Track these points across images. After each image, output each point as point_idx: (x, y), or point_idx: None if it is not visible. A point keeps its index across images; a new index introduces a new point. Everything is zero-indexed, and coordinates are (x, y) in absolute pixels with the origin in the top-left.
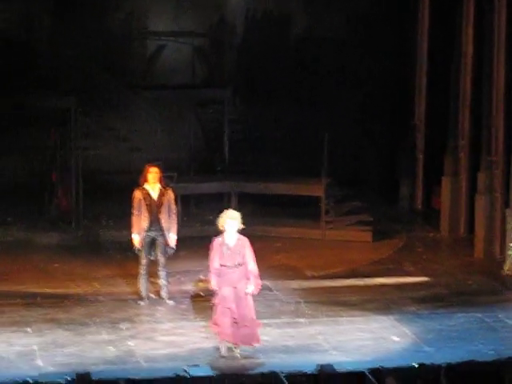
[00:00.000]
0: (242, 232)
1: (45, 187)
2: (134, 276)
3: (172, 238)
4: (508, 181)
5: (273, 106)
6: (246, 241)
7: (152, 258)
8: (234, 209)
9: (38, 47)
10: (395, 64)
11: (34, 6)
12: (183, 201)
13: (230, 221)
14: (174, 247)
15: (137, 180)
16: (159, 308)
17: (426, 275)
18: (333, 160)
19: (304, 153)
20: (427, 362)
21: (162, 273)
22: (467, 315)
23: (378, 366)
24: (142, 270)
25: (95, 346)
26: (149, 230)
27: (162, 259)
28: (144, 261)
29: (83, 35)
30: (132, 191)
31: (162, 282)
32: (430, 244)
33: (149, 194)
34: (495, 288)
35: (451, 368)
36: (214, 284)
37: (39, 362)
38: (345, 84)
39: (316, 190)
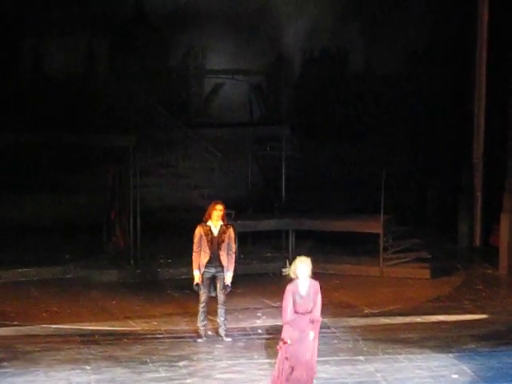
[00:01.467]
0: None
1: (103, 225)
2: (192, 314)
3: (228, 276)
4: None
5: (330, 142)
6: (317, 286)
7: (211, 295)
8: (292, 246)
9: (96, 85)
10: (454, 101)
11: (93, 46)
12: (240, 238)
13: (303, 266)
14: (230, 285)
15: (195, 217)
16: (217, 346)
17: (484, 313)
18: (392, 197)
19: (362, 189)
20: None
21: (221, 310)
22: None
23: None
24: (201, 307)
25: None
26: (209, 266)
27: (221, 296)
28: (203, 298)
29: (142, 73)
30: (194, 227)
31: (220, 319)
32: (489, 281)
33: (211, 231)
34: None
35: None
36: (286, 337)
37: None
38: (404, 120)
39: (374, 226)
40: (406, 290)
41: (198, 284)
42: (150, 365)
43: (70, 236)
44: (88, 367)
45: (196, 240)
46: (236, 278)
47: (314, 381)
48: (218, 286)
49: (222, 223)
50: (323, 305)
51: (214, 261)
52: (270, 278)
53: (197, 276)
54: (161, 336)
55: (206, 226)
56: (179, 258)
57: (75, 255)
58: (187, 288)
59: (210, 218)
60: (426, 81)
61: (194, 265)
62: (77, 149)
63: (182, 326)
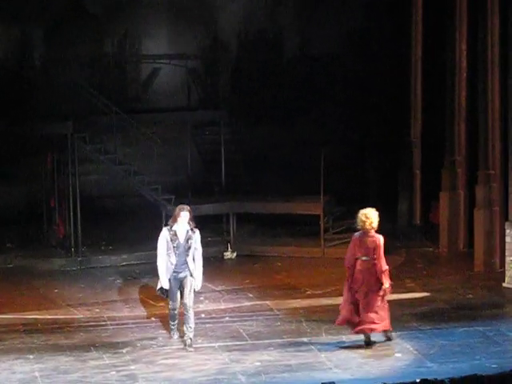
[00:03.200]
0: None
1: (43, 214)
2: (135, 300)
3: (198, 281)
4: (506, 194)
5: (269, 125)
6: (379, 240)
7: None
8: (233, 230)
9: (32, 74)
10: (390, 80)
11: (26, 34)
12: None
13: (367, 218)
14: (199, 289)
15: (135, 204)
16: (160, 331)
17: (426, 291)
18: (331, 177)
19: (301, 171)
20: (430, 377)
21: (188, 316)
22: (469, 329)
23: (380, 383)
24: (172, 311)
25: (97, 372)
26: (176, 271)
27: (188, 301)
28: (172, 304)
29: (77, 61)
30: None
31: (187, 326)
32: (430, 259)
33: (176, 236)
34: (496, 301)
35: (454, 383)
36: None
37: None
38: (340, 101)
39: (314, 208)
40: None
41: (162, 288)
42: (94, 352)
43: (10, 225)
44: (31, 356)
45: (161, 244)
46: None
47: (258, 363)
48: (186, 290)
49: (188, 228)
50: (266, 287)
51: (181, 265)
52: (212, 262)
53: (163, 281)
54: (104, 323)
55: (172, 230)
56: (120, 245)
57: (16, 244)
58: (129, 274)
59: (175, 221)
60: (363, 61)
61: (160, 269)
62: (14, 137)
63: (125, 312)
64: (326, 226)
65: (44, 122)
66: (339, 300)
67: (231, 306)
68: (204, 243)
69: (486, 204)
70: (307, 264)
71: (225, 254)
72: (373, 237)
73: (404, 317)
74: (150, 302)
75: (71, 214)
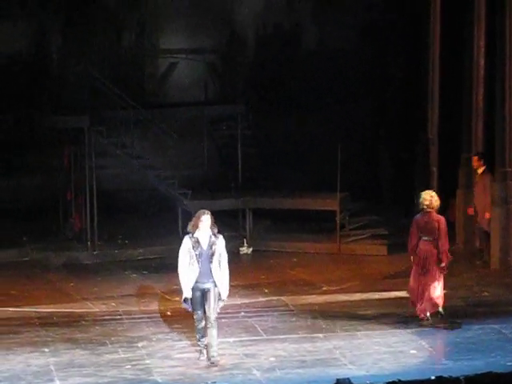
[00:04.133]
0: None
1: (60, 207)
2: (150, 295)
3: (224, 290)
4: None
5: (286, 120)
6: (442, 221)
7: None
8: (249, 225)
9: (50, 67)
10: (408, 77)
11: (44, 26)
12: None
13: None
14: (226, 299)
15: (151, 198)
16: (175, 326)
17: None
18: (348, 174)
19: (319, 167)
20: (445, 374)
21: (211, 330)
22: (484, 327)
23: (395, 379)
24: (198, 326)
25: (112, 365)
26: (199, 281)
27: (212, 314)
28: (197, 316)
29: (96, 54)
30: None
31: (211, 340)
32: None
33: (198, 242)
34: (511, 299)
35: (469, 380)
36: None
37: (57, 382)
38: (358, 96)
39: (331, 204)
40: (364, 267)
41: (186, 299)
42: (109, 346)
43: (26, 218)
44: (47, 350)
45: (182, 254)
46: None
47: (273, 358)
48: (209, 302)
49: (210, 233)
50: (281, 282)
51: (205, 275)
52: (228, 258)
53: (186, 290)
54: (119, 317)
55: (193, 237)
56: (136, 239)
57: (32, 237)
58: (144, 269)
59: (196, 228)
60: (380, 56)
61: (182, 279)
62: (32, 130)
63: (140, 306)
64: (342, 222)
65: (61, 116)
66: (355, 296)
67: (247, 301)
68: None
69: (503, 201)
70: (323, 260)
71: (241, 249)
72: (435, 217)
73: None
74: (166, 296)
75: (87, 207)
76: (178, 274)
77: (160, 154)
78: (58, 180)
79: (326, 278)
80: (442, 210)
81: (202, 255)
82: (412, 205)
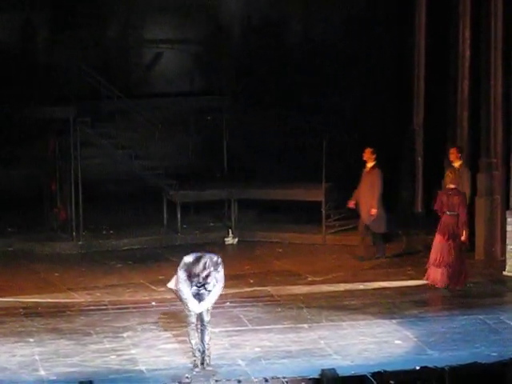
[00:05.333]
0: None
1: (45, 197)
2: (136, 285)
3: (206, 301)
4: (508, 182)
5: (271, 111)
6: (463, 197)
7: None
8: (235, 215)
9: (35, 58)
10: (393, 68)
11: (30, 17)
12: (183, 208)
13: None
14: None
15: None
16: (161, 316)
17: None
18: (332, 164)
19: (304, 158)
20: (430, 365)
21: (204, 331)
22: (469, 317)
23: (380, 369)
24: (190, 328)
25: (97, 356)
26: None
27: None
28: (191, 318)
29: (80, 45)
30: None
31: (203, 343)
32: (431, 247)
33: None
34: (497, 290)
35: (454, 371)
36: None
37: (41, 372)
38: (343, 88)
39: (316, 194)
40: (349, 258)
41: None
42: (94, 336)
43: (11, 209)
44: (31, 340)
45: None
46: (179, 248)
47: (258, 348)
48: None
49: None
50: (266, 273)
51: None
52: (213, 248)
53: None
54: (104, 307)
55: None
56: (121, 229)
57: (17, 228)
58: (130, 259)
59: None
60: (366, 47)
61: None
62: (16, 121)
63: (126, 296)
64: (327, 213)
65: (46, 106)
66: (340, 287)
67: (232, 291)
68: (205, 228)
69: (488, 192)
70: (308, 250)
71: (226, 239)
72: (456, 192)
73: (404, 304)
74: (151, 286)
75: (72, 197)
76: (163, 264)
77: (146, 145)
78: (43, 170)
79: (311, 268)
80: (427, 200)
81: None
82: (397, 196)
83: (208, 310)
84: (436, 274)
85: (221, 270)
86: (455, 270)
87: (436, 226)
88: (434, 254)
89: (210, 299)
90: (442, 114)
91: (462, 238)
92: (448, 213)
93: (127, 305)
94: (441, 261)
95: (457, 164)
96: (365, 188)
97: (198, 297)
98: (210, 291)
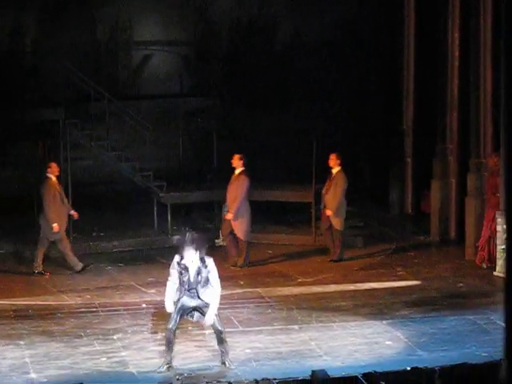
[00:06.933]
0: None
1: (34, 199)
2: (126, 287)
3: (208, 314)
4: None
5: (261, 113)
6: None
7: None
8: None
9: (23, 59)
10: (382, 68)
11: (18, 19)
12: (173, 210)
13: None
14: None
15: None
16: (152, 318)
17: (417, 279)
18: (322, 166)
19: (294, 159)
20: (420, 365)
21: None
22: (459, 318)
23: (371, 370)
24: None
25: (88, 358)
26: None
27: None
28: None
29: (69, 46)
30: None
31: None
32: (421, 248)
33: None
34: (487, 290)
35: (444, 371)
36: None
37: (32, 375)
38: (332, 89)
39: (306, 196)
40: None
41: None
42: (85, 338)
43: (0, 211)
44: (22, 342)
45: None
46: (169, 250)
47: (249, 350)
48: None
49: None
50: (257, 274)
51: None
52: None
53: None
54: (95, 309)
55: (182, 264)
56: (111, 232)
57: (6, 230)
58: (120, 261)
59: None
60: (355, 49)
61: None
62: (5, 123)
63: (116, 298)
64: (317, 214)
65: (36, 108)
66: (330, 288)
67: (222, 293)
68: (196, 230)
69: (477, 192)
70: (298, 252)
71: (216, 241)
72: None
73: (395, 305)
74: (142, 288)
75: None
76: (153, 266)
77: (135, 147)
78: (33, 172)
79: (302, 269)
80: (416, 201)
81: (190, 283)
82: (387, 196)
83: (216, 319)
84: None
85: (210, 264)
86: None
87: (425, 226)
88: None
89: (213, 307)
90: (432, 114)
91: None
92: (497, 194)
93: (117, 307)
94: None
95: (335, 170)
96: (231, 191)
97: (195, 311)
98: (203, 299)
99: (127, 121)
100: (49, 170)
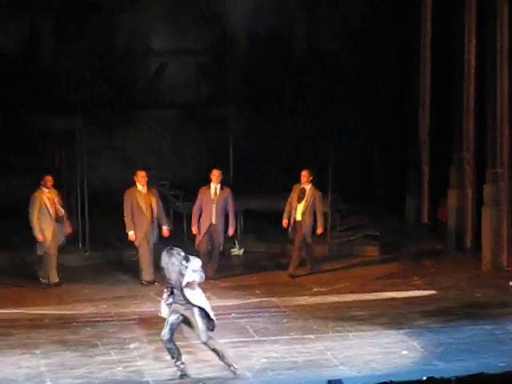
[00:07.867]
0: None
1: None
2: (142, 296)
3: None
4: None
5: (278, 121)
6: None
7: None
8: (240, 226)
9: (40, 67)
10: (399, 76)
11: (35, 26)
12: (189, 219)
13: None
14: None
15: None
16: None
17: (434, 289)
18: (338, 174)
19: (311, 168)
20: (437, 375)
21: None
22: (476, 328)
23: (387, 380)
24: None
25: (104, 367)
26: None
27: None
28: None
29: (87, 54)
30: None
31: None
32: (438, 257)
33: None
34: (503, 300)
35: (461, 381)
36: None
37: None
38: (350, 98)
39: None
40: (355, 268)
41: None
42: (101, 348)
43: (16, 218)
44: (37, 351)
45: None
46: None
47: (265, 360)
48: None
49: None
50: (272, 284)
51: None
52: (219, 259)
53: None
54: (111, 319)
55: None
56: (127, 240)
57: (23, 240)
58: (136, 270)
59: None
60: (371, 57)
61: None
62: (23, 131)
63: (132, 308)
64: (333, 223)
65: (53, 116)
66: (346, 297)
67: (238, 302)
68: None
69: (494, 202)
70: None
71: (232, 250)
72: None
73: (411, 314)
74: (157, 298)
75: (79, 208)
76: None
77: (151, 155)
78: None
79: (317, 279)
80: (433, 210)
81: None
82: (403, 205)
83: (205, 328)
84: None
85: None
86: None
87: (441, 235)
88: None
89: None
90: (449, 122)
91: None
92: None
93: (133, 316)
94: None
95: (307, 186)
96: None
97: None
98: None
99: (144, 129)
100: (42, 182)
